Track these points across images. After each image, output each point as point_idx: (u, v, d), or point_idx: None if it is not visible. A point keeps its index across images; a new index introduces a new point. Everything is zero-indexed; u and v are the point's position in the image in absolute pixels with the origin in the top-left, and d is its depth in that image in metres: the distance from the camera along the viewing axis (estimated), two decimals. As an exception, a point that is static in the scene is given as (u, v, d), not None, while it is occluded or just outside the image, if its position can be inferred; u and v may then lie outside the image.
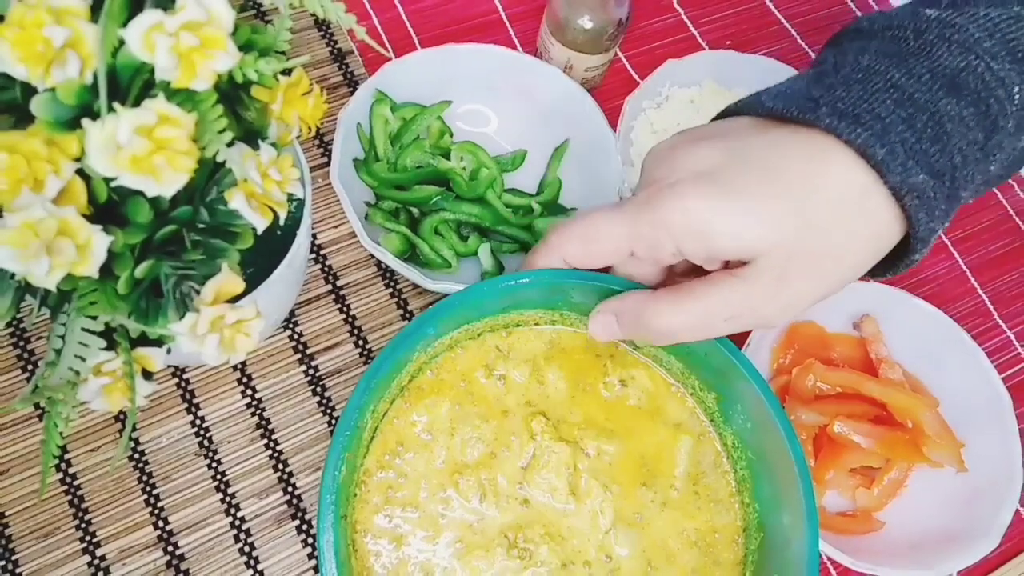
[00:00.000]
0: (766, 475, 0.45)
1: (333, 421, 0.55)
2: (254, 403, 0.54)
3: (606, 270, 0.44)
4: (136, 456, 0.52)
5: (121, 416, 0.53)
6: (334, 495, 0.39)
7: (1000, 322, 0.67)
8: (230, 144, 0.32)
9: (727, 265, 0.39)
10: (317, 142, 0.63)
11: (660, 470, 0.47)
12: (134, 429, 0.53)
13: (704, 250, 0.38)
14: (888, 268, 0.41)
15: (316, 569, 0.51)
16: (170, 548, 0.50)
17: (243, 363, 0.55)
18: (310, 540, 0.52)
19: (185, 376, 0.54)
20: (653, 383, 0.49)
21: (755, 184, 0.37)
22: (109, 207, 0.32)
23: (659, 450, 0.47)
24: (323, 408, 0.55)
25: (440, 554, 0.43)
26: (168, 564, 0.50)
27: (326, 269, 0.59)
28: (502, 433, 0.46)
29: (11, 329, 0.54)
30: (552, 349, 0.49)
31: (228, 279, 0.34)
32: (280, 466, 0.53)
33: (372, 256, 0.60)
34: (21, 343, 0.53)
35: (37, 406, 0.52)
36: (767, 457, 0.44)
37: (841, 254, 0.37)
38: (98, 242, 0.30)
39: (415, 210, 0.60)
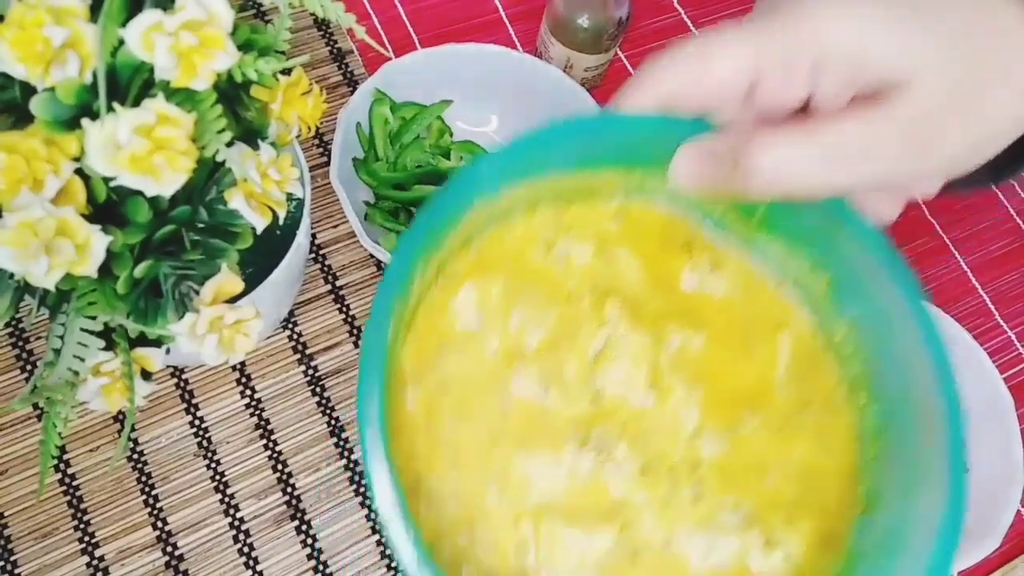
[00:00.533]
0: (890, 370, 0.38)
1: (333, 421, 0.55)
2: (253, 403, 0.54)
3: None
4: (135, 456, 0.52)
5: (120, 416, 0.53)
6: (381, 365, 0.32)
7: (1001, 322, 0.67)
8: (229, 144, 0.32)
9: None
10: (317, 142, 0.63)
11: (756, 369, 0.41)
12: (133, 429, 0.53)
13: (850, 69, 0.32)
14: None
15: (315, 570, 0.51)
16: (169, 549, 0.50)
17: (242, 363, 0.55)
18: (309, 540, 0.52)
19: (184, 376, 0.54)
20: (745, 274, 0.42)
21: (915, 2, 0.32)
22: (108, 207, 0.32)
23: (755, 347, 0.41)
24: (322, 408, 0.55)
25: (499, 453, 0.38)
26: (167, 565, 0.50)
27: (325, 269, 0.59)
28: (566, 320, 0.39)
29: (10, 329, 0.54)
30: (624, 226, 0.42)
31: (227, 279, 0.34)
32: (279, 466, 0.53)
33: (372, 256, 0.60)
34: (20, 343, 0.53)
35: (36, 406, 0.52)
36: (891, 347, 0.38)
37: (996, 102, 0.33)
38: (97, 242, 0.30)
39: (415, 210, 0.60)
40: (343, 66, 0.66)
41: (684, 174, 0.36)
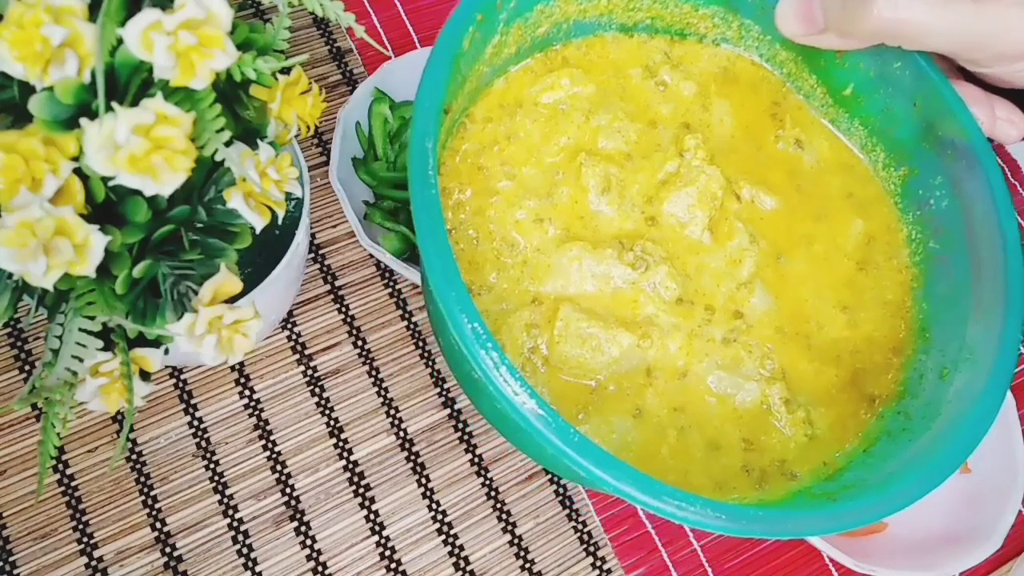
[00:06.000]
0: (947, 268, 0.39)
1: (332, 422, 0.54)
2: (252, 404, 0.54)
3: None
4: (134, 457, 0.52)
5: (119, 417, 0.52)
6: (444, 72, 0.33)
7: (1001, 323, 0.67)
8: (228, 143, 0.32)
9: None
10: (316, 141, 0.63)
11: (821, 240, 0.41)
12: (132, 430, 0.52)
13: None
14: None
15: (314, 571, 0.51)
16: (168, 549, 0.50)
17: (241, 363, 0.55)
18: (308, 541, 0.51)
19: (183, 376, 0.54)
20: (832, 150, 0.43)
21: None
22: (107, 206, 0.32)
23: (826, 222, 0.41)
24: (321, 409, 0.55)
25: (533, 232, 0.37)
26: (166, 566, 0.50)
27: (325, 269, 0.59)
28: (646, 140, 0.40)
29: (8, 329, 0.54)
30: (726, 77, 0.43)
31: (226, 279, 0.34)
32: (278, 467, 0.53)
33: (371, 256, 0.60)
34: (18, 343, 0.53)
35: (34, 407, 0.52)
36: (959, 243, 0.39)
37: None
38: (96, 242, 0.30)
39: (414, 210, 0.60)
40: (342, 65, 0.66)
41: (790, 17, 0.37)
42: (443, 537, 0.53)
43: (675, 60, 0.43)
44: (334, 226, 0.60)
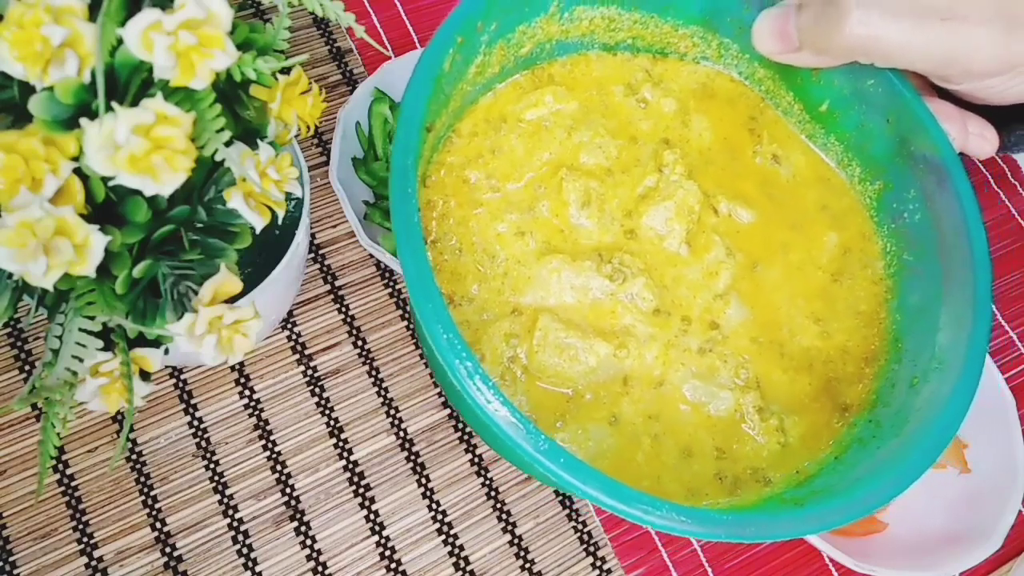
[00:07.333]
0: (920, 280, 0.40)
1: (332, 422, 0.54)
2: (252, 404, 0.54)
3: None
4: (134, 457, 0.52)
5: (119, 417, 0.52)
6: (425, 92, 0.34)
7: (1003, 323, 0.67)
8: (228, 143, 0.32)
9: None
10: (316, 141, 0.63)
11: (797, 251, 0.42)
12: (132, 430, 0.52)
13: None
14: None
15: (314, 571, 0.51)
16: (168, 549, 0.50)
17: (241, 363, 0.55)
18: (308, 541, 0.51)
19: (183, 376, 0.54)
20: (809, 164, 0.44)
21: None
22: (107, 206, 0.32)
23: (802, 233, 0.42)
24: (321, 409, 0.55)
25: (514, 244, 0.39)
26: (166, 566, 0.50)
27: (325, 269, 0.59)
28: (626, 155, 0.41)
29: (8, 329, 0.54)
30: (705, 93, 0.44)
31: (226, 279, 0.34)
32: (278, 467, 0.53)
33: (371, 256, 0.60)
34: (18, 343, 0.53)
35: (34, 407, 0.52)
36: (932, 255, 0.40)
37: None
38: (96, 242, 0.30)
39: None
40: (342, 65, 0.66)
41: (765, 35, 0.38)
42: (443, 537, 0.53)
43: (656, 78, 0.44)
44: (334, 226, 0.60)
